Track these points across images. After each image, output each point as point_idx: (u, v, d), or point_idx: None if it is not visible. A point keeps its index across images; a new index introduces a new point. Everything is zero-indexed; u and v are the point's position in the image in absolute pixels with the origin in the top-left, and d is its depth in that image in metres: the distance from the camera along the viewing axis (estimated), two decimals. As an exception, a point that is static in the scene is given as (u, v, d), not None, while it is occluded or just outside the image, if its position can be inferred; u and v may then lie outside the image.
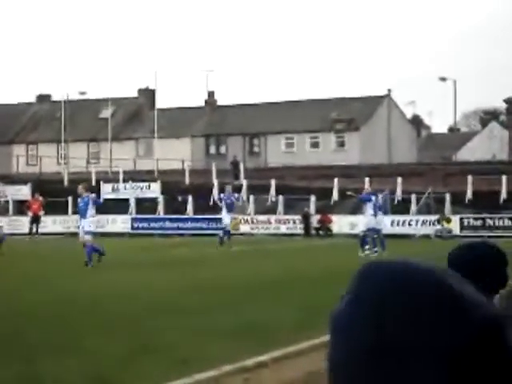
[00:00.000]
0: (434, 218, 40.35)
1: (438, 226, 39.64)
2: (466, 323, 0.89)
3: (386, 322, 0.91)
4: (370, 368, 0.91)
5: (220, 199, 31.52)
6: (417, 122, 77.59)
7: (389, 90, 66.45)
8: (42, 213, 44.34)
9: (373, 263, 1.00)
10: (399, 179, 43.65)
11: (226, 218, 30.07)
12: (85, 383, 6.77)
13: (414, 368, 0.89)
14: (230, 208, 30.59)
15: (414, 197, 42.25)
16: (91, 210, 22.60)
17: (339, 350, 0.95)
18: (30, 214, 43.68)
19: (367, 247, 25.00)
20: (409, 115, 73.74)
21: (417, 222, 40.94)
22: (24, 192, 50.07)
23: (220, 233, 30.39)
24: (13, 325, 10.15)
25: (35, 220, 43.60)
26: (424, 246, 32.58)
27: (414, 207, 42.28)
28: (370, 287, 0.95)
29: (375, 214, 25.13)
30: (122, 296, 13.59)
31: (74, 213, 47.11)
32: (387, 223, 41.07)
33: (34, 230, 43.28)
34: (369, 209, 25.16)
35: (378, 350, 0.90)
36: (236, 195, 32.22)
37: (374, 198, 25.31)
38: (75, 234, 44.05)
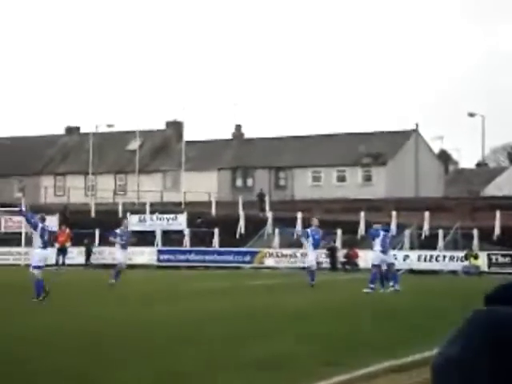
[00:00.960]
0: (461, 253, 39.98)
1: (466, 263, 39.26)
2: None
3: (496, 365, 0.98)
4: None
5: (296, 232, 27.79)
6: (444, 156, 77.27)
7: (416, 125, 66.38)
8: (68, 244, 44.61)
9: (482, 312, 1.05)
10: (426, 214, 43.37)
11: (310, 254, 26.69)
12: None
13: None
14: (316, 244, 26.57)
15: (441, 232, 41.91)
16: (39, 241, 20.63)
17: None
18: (57, 245, 43.93)
19: (378, 284, 24.63)
20: (436, 150, 73.52)
21: (444, 257, 40.58)
22: (52, 223, 50.32)
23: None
24: (46, 356, 10.15)
25: (61, 251, 43.85)
26: (451, 282, 32.25)
27: (441, 242, 41.94)
28: (483, 341, 1.00)
29: (384, 250, 24.78)
30: (152, 327, 13.56)
31: (101, 244, 47.44)
32: (413, 258, 40.81)
33: (61, 261, 43.50)
34: (377, 244, 24.99)
35: None
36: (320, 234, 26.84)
37: (382, 233, 25.03)
38: (102, 266, 44.45)
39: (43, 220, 20.91)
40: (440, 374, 1.02)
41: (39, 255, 20.23)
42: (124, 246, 26.64)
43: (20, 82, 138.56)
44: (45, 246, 20.35)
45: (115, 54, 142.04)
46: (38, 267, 20.05)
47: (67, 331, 12.91)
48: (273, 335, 12.60)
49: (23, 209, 20.31)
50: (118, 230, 27.31)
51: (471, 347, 1.00)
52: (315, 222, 26.31)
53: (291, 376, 8.59)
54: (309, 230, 26.31)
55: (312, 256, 26.18)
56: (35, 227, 20.28)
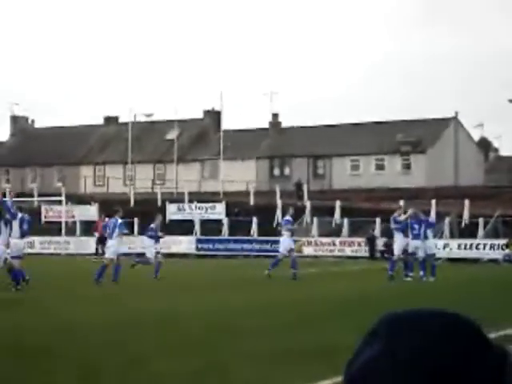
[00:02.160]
0: (502, 242, 39.57)
1: (507, 251, 38.85)
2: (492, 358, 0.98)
3: (425, 377, 0.94)
4: None
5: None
6: (485, 144, 76.42)
7: (456, 113, 65.69)
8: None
9: (403, 315, 1.01)
10: (466, 202, 42.96)
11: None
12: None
13: None
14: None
15: (481, 220, 41.50)
16: (17, 231, 20.45)
17: None
18: (97, 234, 44.28)
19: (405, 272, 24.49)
20: (476, 138, 72.73)
21: (484, 246, 40.18)
22: (91, 212, 50.75)
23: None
24: (81, 343, 10.22)
25: (101, 241, 44.19)
26: (492, 270, 31.93)
27: (481, 231, 41.53)
28: (403, 342, 0.97)
29: (409, 237, 24.76)
30: (183, 317, 13.59)
31: (140, 233, 47.71)
32: (453, 246, 40.46)
33: (100, 250, 43.83)
34: (396, 233, 25.13)
35: None
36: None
37: (396, 221, 25.02)
38: (141, 255, 44.64)
39: (21, 210, 20.99)
40: (353, 373, 0.98)
41: (17, 245, 20.19)
42: (156, 240, 26.50)
43: (60, 72, 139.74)
44: (22, 235, 20.48)
45: (154, 43, 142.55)
46: (18, 257, 20.07)
47: (107, 321, 12.99)
48: (315, 325, 12.56)
49: (5, 199, 19.80)
50: (153, 225, 27.28)
51: (393, 351, 0.97)
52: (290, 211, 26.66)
53: (336, 365, 8.55)
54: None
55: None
56: (14, 217, 20.14)
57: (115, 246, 23.53)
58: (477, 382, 0.94)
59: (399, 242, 24.99)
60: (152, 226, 27.27)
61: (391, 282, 23.40)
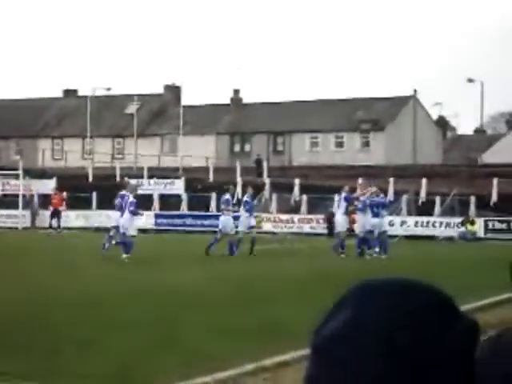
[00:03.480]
0: (458, 220, 40.11)
1: (462, 229, 39.41)
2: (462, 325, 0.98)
3: (396, 338, 0.94)
4: None
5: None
6: (443, 123, 77.14)
7: (415, 91, 66.15)
8: (63, 208, 44.61)
9: (370, 283, 1.01)
10: (424, 180, 43.42)
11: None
12: (105, 376, 6.78)
13: (425, 372, 0.94)
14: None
15: (438, 198, 42.01)
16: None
17: (336, 374, 0.95)
18: (51, 208, 44.01)
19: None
20: (435, 116, 73.34)
21: (441, 223, 40.71)
22: (49, 186, 50.34)
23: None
24: (35, 315, 10.20)
25: (55, 214, 43.88)
26: (447, 248, 32.39)
27: (438, 209, 42.05)
28: (372, 310, 0.96)
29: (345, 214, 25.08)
30: (143, 292, 13.62)
31: (99, 208, 47.50)
32: (410, 224, 40.92)
33: (56, 224, 43.52)
34: (358, 212, 25.54)
35: (393, 360, 0.93)
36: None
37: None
38: (99, 229, 44.51)
39: None
40: (325, 351, 0.97)
41: None
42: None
43: (18, 44, 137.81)
44: None
45: (114, 15, 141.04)
46: None
47: (65, 294, 12.96)
48: (270, 301, 12.67)
49: None
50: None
51: (362, 320, 0.96)
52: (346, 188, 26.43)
53: (290, 339, 8.66)
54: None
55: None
56: None
57: (131, 221, 23.39)
58: (446, 353, 0.94)
59: (361, 221, 25.28)
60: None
61: (360, 258, 23.71)
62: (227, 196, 26.48)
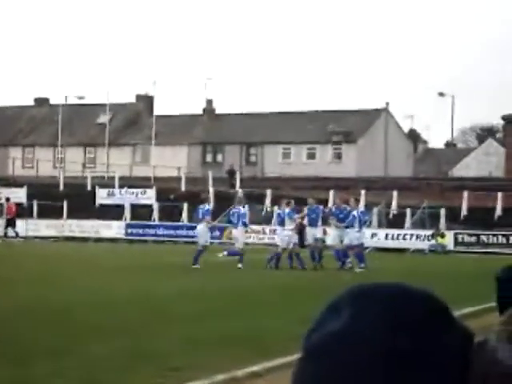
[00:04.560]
0: (428, 232, 40.37)
1: (433, 241, 39.66)
2: (459, 333, 0.98)
3: (396, 340, 0.93)
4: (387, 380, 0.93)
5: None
6: (414, 136, 77.68)
7: (387, 104, 66.63)
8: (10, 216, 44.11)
9: (366, 287, 1.01)
10: (395, 193, 43.69)
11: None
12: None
13: (425, 375, 0.93)
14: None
15: (408, 211, 42.27)
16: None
17: (334, 377, 0.93)
18: (8, 216, 43.56)
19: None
20: (406, 129, 73.89)
21: (411, 236, 40.94)
22: (19, 195, 49.96)
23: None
24: (7, 324, 10.12)
25: (11, 223, 43.45)
26: (417, 260, 32.56)
27: (408, 221, 42.30)
28: (371, 314, 0.95)
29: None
30: (117, 302, 13.56)
31: (69, 217, 47.23)
32: (381, 236, 41.09)
33: (12, 233, 42.95)
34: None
35: (393, 363, 0.93)
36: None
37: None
38: (69, 239, 44.27)
39: None
40: (321, 354, 0.95)
41: None
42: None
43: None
44: None
45: (86, 24, 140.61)
46: None
47: (38, 304, 12.87)
48: (243, 312, 12.67)
49: None
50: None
51: (360, 323, 0.95)
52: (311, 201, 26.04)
53: (261, 350, 8.67)
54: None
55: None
56: None
57: (204, 231, 23.56)
58: (445, 358, 0.95)
59: (334, 234, 25.44)
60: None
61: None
62: (208, 206, 26.12)
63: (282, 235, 24.40)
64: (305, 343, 0.98)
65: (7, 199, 45.22)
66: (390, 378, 0.92)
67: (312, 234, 25.00)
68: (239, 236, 24.16)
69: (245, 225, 24.43)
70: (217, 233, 44.10)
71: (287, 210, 24.79)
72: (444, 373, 0.94)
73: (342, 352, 0.94)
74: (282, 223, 24.89)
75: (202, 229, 24.96)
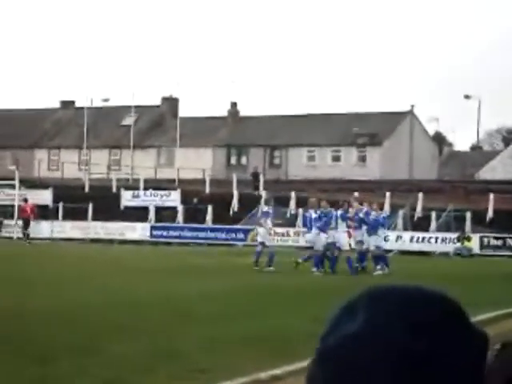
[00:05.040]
0: (453, 235, 40.10)
1: (458, 244, 39.39)
2: (477, 338, 0.98)
3: (414, 342, 0.94)
4: None
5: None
6: (439, 138, 77.29)
7: (412, 106, 66.31)
8: (31, 217, 44.43)
9: (383, 289, 1.00)
10: (420, 195, 43.44)
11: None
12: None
13: (441, 376, 0.94)
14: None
15: (434, 214, 42.01)
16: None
17: (350, 379, 0.93)
18: (22, 218, 43.88)
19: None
20: (431, 132, 73.53)
21: (436, 239, 40.69)
22: (45, 197, 50.26)
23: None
24: (32, 324, 10.16)
25: (26, 224, 43.73)
26: (442, 263, 32.35)
27: (433, 224, 42.04)
28: (388, 316, 0.95)
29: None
30: (140, 303, 13.58)
31: (94, 219, 47.46)
32: (406, 239, 40.89)
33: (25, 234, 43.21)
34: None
35: (409, 364, 0.93)
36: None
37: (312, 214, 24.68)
38: (94, 241, 44.47)
39: None
40: (337, 356, 0.94)
41: None
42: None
43: (16, 54, 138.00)
44: None
45: (112, 27, 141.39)
46: None
47: (62, 305, 12.92)
48: (265, 313, 12.64)
49: None
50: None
51: (379, 324, 0.94)
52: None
53: (285, 352, 8.63)
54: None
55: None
56: None
57: (317, 236, 23.62)
58: (461, 361, 0.94)
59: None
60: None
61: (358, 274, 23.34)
62: (266, 208, 25.96)
63: (319, 237, 23.83)
64: (320, 346, 0.97)
65: (25, 200, 45.54)
66: (406, 380, 0.92)
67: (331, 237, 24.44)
68: (315, 240, 23.78)
69: (320, 229, 23.84)
70: (241, 235, 44.17)
71: (340, 212, 24.43)
72: (460, 374, 0.94)
73: (359, 355, 0.93)
74: (310, 225, 24.37)
75: (263, 231, 24.94)
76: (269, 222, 25.24)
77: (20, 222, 44.63)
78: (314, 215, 24.46)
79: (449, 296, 0.99)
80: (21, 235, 44.16)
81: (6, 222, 48.30)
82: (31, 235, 43.80)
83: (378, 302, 0.97)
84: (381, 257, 24.66)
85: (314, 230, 24.19)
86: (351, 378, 0.93)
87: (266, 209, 25.74)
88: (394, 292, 0.98)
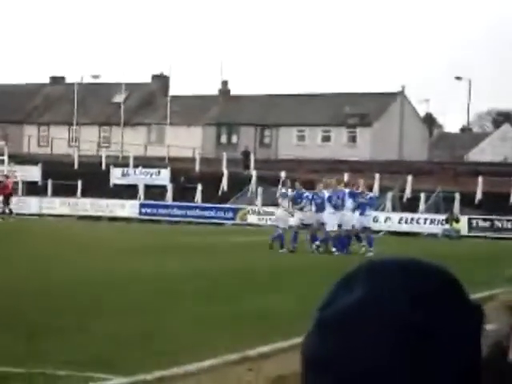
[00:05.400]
0: (442, 217, 40.26)
1: (446, 226, 39.55)
2: (471, 308, 0.99)
3: (414, 314, 0.94)
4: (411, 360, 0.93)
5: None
6: (429, 120, 77.34)
7: (402, 87, 66.25)
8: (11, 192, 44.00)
9: (381, 261, 1.00)
10: (409, 177, 43.54)
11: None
12: (88, 362, 6.77)
13: (441, 347, 0.94)
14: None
15: (423, 195, 42.14)
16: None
17: (350, 349, 0.93)
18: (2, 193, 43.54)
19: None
20: (422, 113, 73.53)
21: (425, 220, 40.85)
22: (34, 173, 50.14)
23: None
24: (18, 302, 10.17)
25: (7, 199, 43.40)
26: (431, 244, 32.50)
27: (422, 206, 42.18)
28: (386, 287, 0.95)
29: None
30: (128, 281, 13.60)
31: (83, 195, 47.38)
32: (394, 220, 41.03)
33: (7, 210, 42.92)
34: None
35: (408, 335, 0.93)
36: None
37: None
38: (84, 217, 44.41)
39: None
40: (333, 326, 0.94)
41: None
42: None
43: (6, 30, 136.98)
44: None
45: (104, 3, 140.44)
46: None
47: (49, 283, 12.93)
48: (255, 292, 12.68)
49: None
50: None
51: (378, 295, 0.95)
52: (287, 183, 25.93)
53: (273, 330, 8.68)
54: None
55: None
56: None
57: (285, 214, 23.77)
58: (460, 331, 0.95)
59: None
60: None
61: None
62: (284, 189, 25.80)
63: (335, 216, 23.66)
64: (317, 317, 0.97)
65: (6, 176, 45.15)
66: (405, 351, 0.92)
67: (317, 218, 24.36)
68: (329, 220, 23.68)
69: (335, 207, 23.70)
70: (230, 214, 44.21)
71: (347, 191, 24.13)
72: (458, 346, 0.95)
73: (356, 326, 0.93)
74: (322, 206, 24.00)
75: (281, 212, 24.83)
76: (285, 203, 24.98)
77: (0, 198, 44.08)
78: (327, 195, 24.22)
79: (445, 268, 1.00)
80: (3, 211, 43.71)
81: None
82: (18, 211, 43.59)
83: (375, 274, 0.97)
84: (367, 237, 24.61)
85: (329, 210, 23.93)
86: (348, 348, 0.93)
87: (283, 190, 25.61)
88: (392, 264, 0.99)
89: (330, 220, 23.85)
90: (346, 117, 62.83)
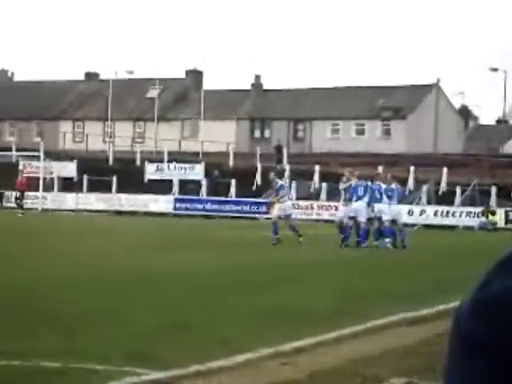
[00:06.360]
0: (478, 210, 39.90)
1: (483, 219, 39.20)
2: None
3: None
4: None
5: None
6: (465, 112, 76.60)
7: (437, 80, 65.74)
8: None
9: None
10: (445, 169, 43.19)
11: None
12: (123, 356, 6.80)
13: None
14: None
15: (458, 188, 41.79)
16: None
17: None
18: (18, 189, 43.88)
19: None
20: (457, 105, 72.88)
21: (461, 213, 40.52)
22: (69, 169, 50.54)
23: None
24: (53, 295, 10.25)
25: (22, 196, 43.78)
26: (466, 237, 32.23)
27: (458, 198, 41.85)
28: None
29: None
30: (165, 275, 13.65)
31: (118, 191, 47.72)
32: (430, 213, 40.71)
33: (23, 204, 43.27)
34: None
35: None
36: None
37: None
38: (120, 213, 44.76)
39: None
40: (472, 317, 0.89)
41: None
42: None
43: (41, 26, 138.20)
44: None
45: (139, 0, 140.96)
46: None
47: (89, 277, 13.01)
48: (288, 286, 12.66)
49: None
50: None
51: None
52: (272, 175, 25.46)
53: (307, 324, 8.65)
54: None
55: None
56: None
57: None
58: None
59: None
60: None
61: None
62: (281, 182, 25.40)
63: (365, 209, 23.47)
64: (474, 297, 0.92)
65: (22, 172, 45.54)
66: None
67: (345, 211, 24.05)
68: (362, 210, 23.39)
69: (371, 200, 23.52)
70: (264, 208, 44.22)
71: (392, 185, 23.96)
72: None
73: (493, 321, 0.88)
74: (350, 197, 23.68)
75: (361, 204, 24.23)
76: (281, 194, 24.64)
77: (16, 194, 44.35)
78: (383, 186, 24.00)
79: None
80: (42, 206, 44.07)
81: (31, 193, 48.63)
82: (56, 207, 43.99)
83: None
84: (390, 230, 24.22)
85: (386, 201, 23.67)
86: (506, 328, 0.87)
87: (280, 182, 25.24)
88: None
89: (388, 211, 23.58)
90: (380, 110, 62.48)
